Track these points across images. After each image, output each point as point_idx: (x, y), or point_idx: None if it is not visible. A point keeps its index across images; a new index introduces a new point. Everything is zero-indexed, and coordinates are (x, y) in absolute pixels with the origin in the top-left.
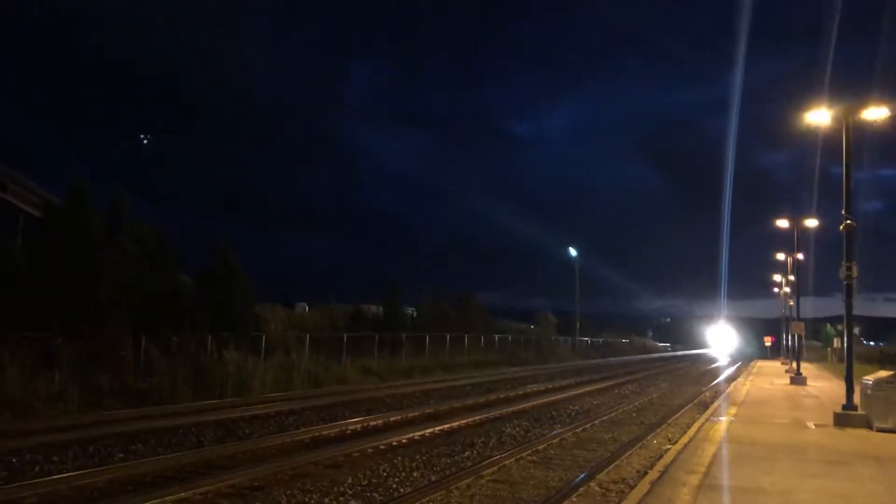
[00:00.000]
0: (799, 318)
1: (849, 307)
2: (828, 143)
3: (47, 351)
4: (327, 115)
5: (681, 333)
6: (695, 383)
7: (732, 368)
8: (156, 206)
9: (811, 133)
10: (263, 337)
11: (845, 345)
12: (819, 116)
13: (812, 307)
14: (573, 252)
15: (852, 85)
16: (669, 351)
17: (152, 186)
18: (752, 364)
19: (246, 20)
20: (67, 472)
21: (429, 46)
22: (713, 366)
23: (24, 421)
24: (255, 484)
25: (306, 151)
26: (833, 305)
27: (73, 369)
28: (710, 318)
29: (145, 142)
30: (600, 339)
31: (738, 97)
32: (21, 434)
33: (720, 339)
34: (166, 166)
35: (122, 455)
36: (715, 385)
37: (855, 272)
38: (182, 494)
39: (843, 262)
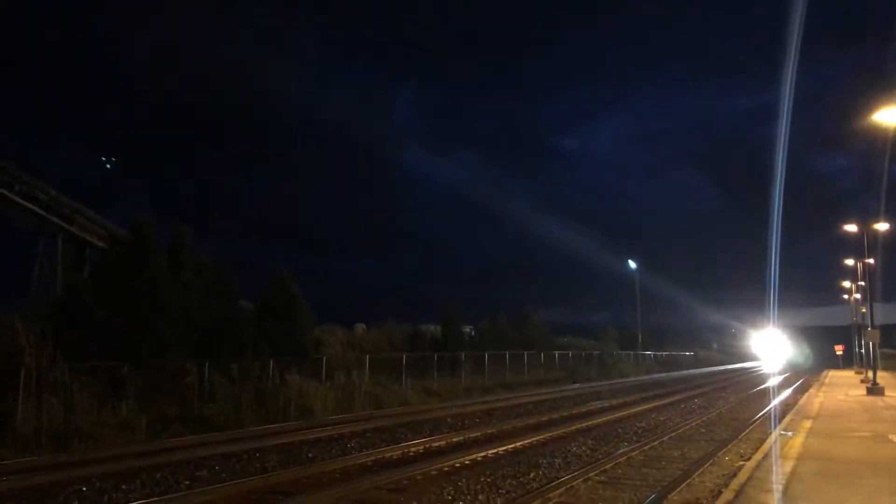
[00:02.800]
0: (873, 326)
1: None
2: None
3: (115, 380)
4: (377, 140)
5: (743, 345)
6: (764, 396)
7: (800, 381)
8: (215, 237)
9: (878, 134)
10: (324, 359)
11: None
12: (888, 116)
13: (882, 313)
14: (632, 265)
15: None
16: (734, 363)
17: (211, 218)
18: (823, 374)
19: (292, 50)
20: (135, 499)
21: (473, 65)
22: (780, 378)
23: (94, 449)
24: None
25: (359, 176)
26: None
27: (140, 398)
28: (770, 327)
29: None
30: (663, 353)
31: (790, 93)
32: (90, 462)
33: (773, 349)
34: (224, 198)
35: (188, 483)
36: (786, 397)
37: None
38: None
39: None
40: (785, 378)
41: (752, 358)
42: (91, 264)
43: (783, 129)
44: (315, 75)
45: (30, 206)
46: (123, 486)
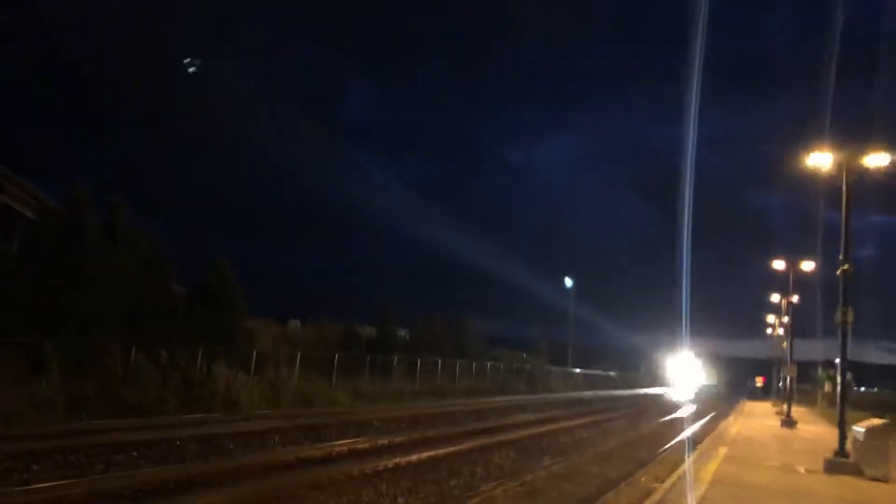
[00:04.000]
0: (791, 361)
1: (844, 352)
2: (823, 186)
3: (34, 356)
4: (323, 137)
5: (668, 369)
6: (685, 421)
7: (719, 409)
8: (152, 220)
9: (809, 176)
10: (254, 352)
11: (839, 390)
12: (820, 160)
13: (803, 349)
14: (569, 283)
15: (851, 129)
16: (658, 386)
17: (149, 199)
18: (741, 404)
19: (243, 43)
20: (46, 481)
21: (425, 72)
22: (701, 405)
23: (7, 427)
24: (237, 503)
25: (303, 171)
26: (824, 348)
27: (61, 376)
28: (688, 354)
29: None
30: (593, 371)
31: (694, 130)
32: (2, 440)
33: (691, 376)
34: (163, 181)
35: (103, 466)
36: (704, 423)
37: (851, 317)
38: None
39: (839, 307)
40: (705, 405)
41: (674, 383)
42: (20, 237)
43: (689, 160)
44: (267, 65)
45: None
46: (35, 467)
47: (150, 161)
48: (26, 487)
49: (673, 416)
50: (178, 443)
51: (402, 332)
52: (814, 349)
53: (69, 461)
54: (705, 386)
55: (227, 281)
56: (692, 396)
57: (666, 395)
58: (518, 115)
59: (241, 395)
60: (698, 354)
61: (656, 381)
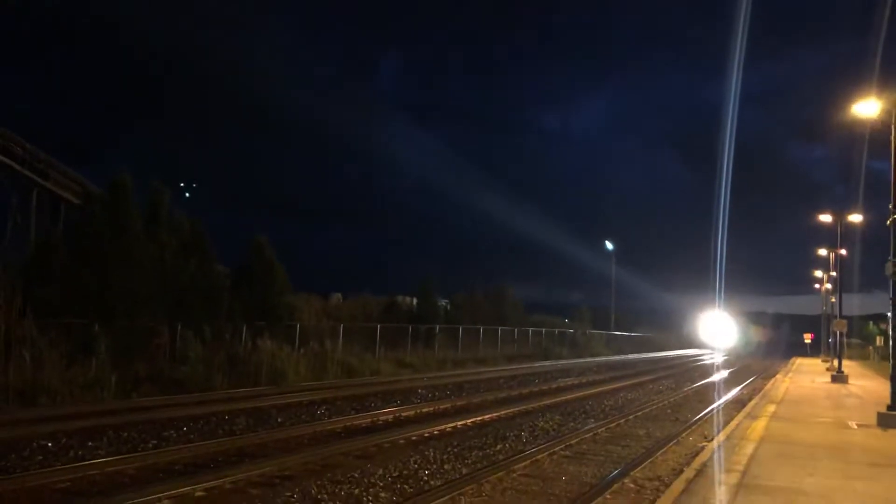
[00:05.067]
0: (841, 316)
1: (894, 305)
2: (868, 135)
3: (85, 338)
4: (357, 108)
5: (713, 329)
6: (732, 379)
7: (768, 366)
8: (193, 200)
9: (853, 126)
10: (298, 326)
11: (891, 344)
12: (867, 108)
13: (853, 304)
14: (609, 246)
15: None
16: (704, 347)
17: (190, 180)
18: (790, 361)
19: (272, 14)
20: (101, 457)
21: (457, 38)
22: (749, 362)
23: (61, 406)
24: (286, 473)
25: (339, 144)
26: (874, 303)
27: (110, 356)
28: (740, 312)
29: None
30: (636, 334)
31: (739, 64)
32: (57, 419)
33: (730, 335)
34: (203, 161)
35: (154, 442)
36: (752, 382)
37: None
38: (212, 483)
39: (889, 259)
40: (751, 363)
41: (718, 343)
42: (65, 221)
43: (731, 113)
44: (296, 41)
45: (4, 159)
46: (90, 443)
47: (190, 144)
48: (82, 463)
49: (719, 375)
50: (226, 417)
51: (442, 303)
52: (866, 303)
53: (122, 437)
54: (749, 344)
55: (268, 258)
56: (737, 355)
57: (711, 356)
58: (552, 78)
59: (286, 368)
60: (742, 313)
61: (700, 341)
